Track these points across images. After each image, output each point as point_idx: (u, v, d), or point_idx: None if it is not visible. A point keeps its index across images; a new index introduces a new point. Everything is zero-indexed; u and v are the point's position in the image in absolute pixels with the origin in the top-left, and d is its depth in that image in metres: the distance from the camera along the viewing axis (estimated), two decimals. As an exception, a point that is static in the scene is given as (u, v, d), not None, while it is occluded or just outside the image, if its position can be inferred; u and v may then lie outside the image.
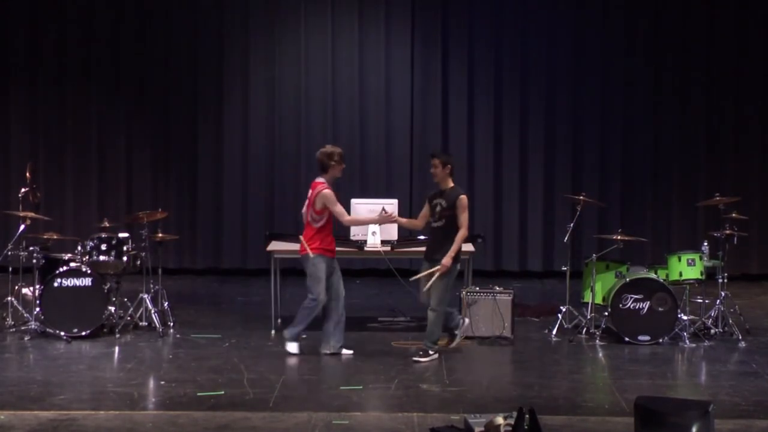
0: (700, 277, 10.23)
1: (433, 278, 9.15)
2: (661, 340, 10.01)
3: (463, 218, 9.16)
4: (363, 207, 10.35)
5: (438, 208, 9.25)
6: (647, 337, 10.00)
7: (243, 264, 14.37)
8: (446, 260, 9.10)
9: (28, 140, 14.35)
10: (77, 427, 7.35)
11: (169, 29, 14.34)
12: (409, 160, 14.37)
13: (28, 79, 14.38)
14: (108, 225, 10.71)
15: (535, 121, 14.29)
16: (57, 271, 10.07)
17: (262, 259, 12.46)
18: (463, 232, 9.17)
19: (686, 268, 10.21)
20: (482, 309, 10.18)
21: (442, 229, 9.25)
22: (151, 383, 8.56)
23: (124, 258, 10.43)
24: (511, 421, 6.42)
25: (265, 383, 8.48)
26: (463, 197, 9.19)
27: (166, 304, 10.71)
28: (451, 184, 9.30)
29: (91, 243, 10.45)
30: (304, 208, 9.49)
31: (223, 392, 8.20)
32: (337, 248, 10.46)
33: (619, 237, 10.47)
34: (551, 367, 9.28)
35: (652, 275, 10.28)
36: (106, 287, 10.15)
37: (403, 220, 9.85)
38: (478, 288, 10.36)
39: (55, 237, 10.74)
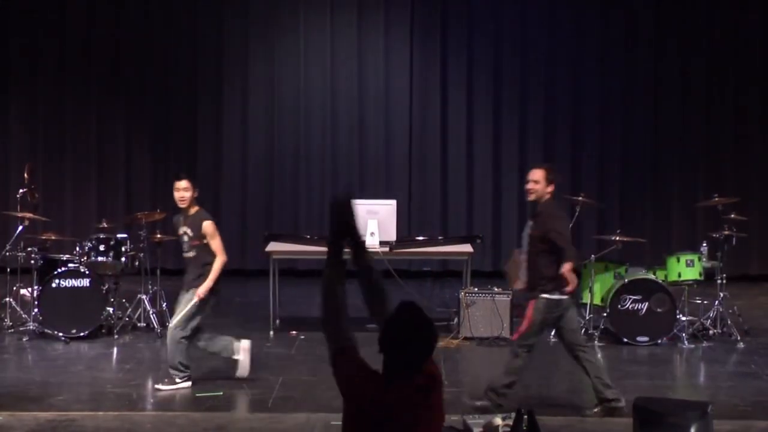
0: (698, 278, 10.23)
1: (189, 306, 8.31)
2: (659, 341, 10.01)
3: (216, 245, 8.31)
4: (361, 207, 10.35)
5: (186, 238, 8.37)
6: (646, 338, 9.99)
7: (242, 264, 14.35)
8: (202, 291, 8.21)
9: (28, 140, 14.35)
10: (76, 427, 7.35)
11: (169, 30, 14.33)
12: (407, 160, 14.36)
13: (28, 79, 14.38)
14: (106, 225, 10.72)
15: (535, 121, 14.29)
16: (55, 272, 10.07)
17: (261, 260, 12.44)
18: (221, 260, 8.32)
19: (685, 268, 10.21)
20: (481, 309, 10.19)
21: (195, 261, 8.35)
22: (150, 384, 8.56)
23: (123, 259, 10.44)
24: (510, 422, 6.41)
25: (263, 384, 8.48)
26: (209, 223, 8.35)
27: (164, 304, 10.70)
28: (196, 208, 8.44)
29: (89, 244, 10.45)
30: None
31: (221, 393, 8.20)
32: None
33: (617, 238, 10.46)
34: (550, 367, 9.28)
35: (651, 276, 10.28)
36: (104, 288, 10.15)
37: None
38: (476, 288, 10.36)
39: (53, 237, 10.75)
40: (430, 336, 3.89)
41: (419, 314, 3.91)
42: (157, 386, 8.39)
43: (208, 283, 8.29)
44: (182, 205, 8.43)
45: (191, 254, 8.42)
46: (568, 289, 7.46)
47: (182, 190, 8.40)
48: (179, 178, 8.50)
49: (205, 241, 8.36)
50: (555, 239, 7.46)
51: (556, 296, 7.53)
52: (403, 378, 3.85)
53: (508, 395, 7.63)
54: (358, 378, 3.87)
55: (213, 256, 8.37)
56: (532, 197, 7.73)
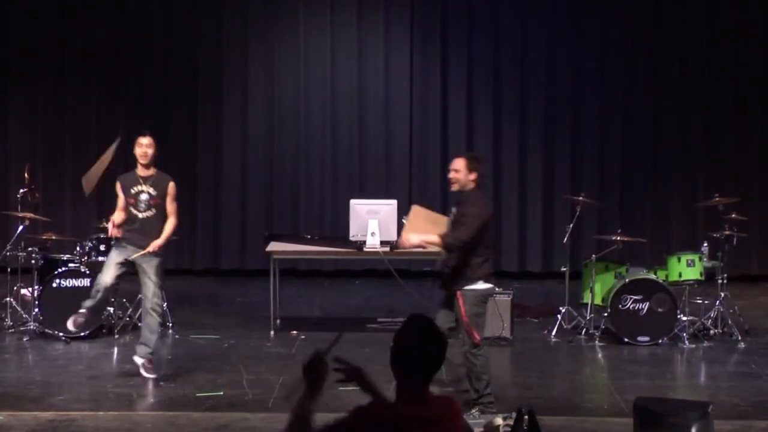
0: (699, 277, 10.23)
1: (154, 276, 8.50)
2: (660, 341, 10.01)
3: (174, 207, 8.57)
4: (361, 207, 10.35)
5: (145, 196, 8.45)
6: (646, 338, 9.99)
7: (242, 265, 14.36)
8: (157, 245, 8.41)
9: (28, 140, 14.35)
10: (76, 427, 7.34)
11: (169, 30, 14.34)
12: (407, 160, 14.36)
13: (28, 79, 14.38)
14: (107, 225, 10.69)
15: (535, 121, 14.29)
16: (56, 272, 10.06)
17: (261, 260, 12.44)
18: (176, 222, 8.61)
19: (686, 268, 10.21)
20: (481, 310, 10.15)
21: (155, 220, 8.50)
22: (150, 384, 8.55)
23: (123, 258, 10.42)
24: (511, 422, 6.41)
25: (264, 384, 8.48)
26: (174, 184, 8.61)
27: (165, 304, 10.70)
28: (155, 168, 8.60)
29: (89, 243, 10.45)
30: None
31: (222, 393, 8.20)
32: (337, 249, 10.45)
33: (618, 238, 10.46)
34: (550, 367, 9.28)
35: (652, 276, 10.27)
36: (104, 288, 10.14)
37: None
38: (477, 289, 10.32)
39: (53, 237, 10.74)
40: (441, 344, 3.85)
41: (429, 324, 3.87)
42: (146, 375, 8.45)
43: (162, 240, 8.46)
44: (143, 161, 8.47)
45: (150, 213, 8.47)
46: (401, 242, 7.73)
47: (146, 146, 8.49)
48: (144, 135, 8.57)
49: (162, 202, 8.47)
50: (462, 223, 7.43)
51: (482, 286, 7.53)
52: (416, 388, 3.78)
53: (492, 393, 7.60)
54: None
55: (167, 217, 8.52)
56: (455, 187, 7.65)
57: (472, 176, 7.58)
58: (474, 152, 8.09)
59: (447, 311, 7.67)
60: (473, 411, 7.50)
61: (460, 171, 7.58)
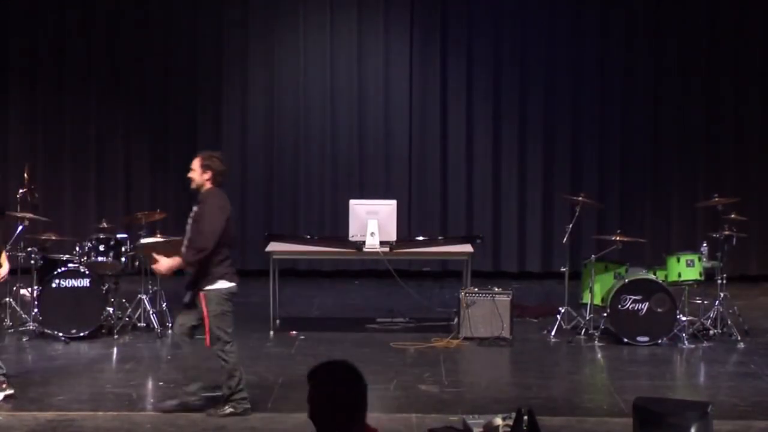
0: (698, 278, 10.23)
1: None
2: (659, 341, 10.01)
3: None
4: (361, 208, 10.35)
5: None
6: (646, 338, 9.99)
7: (242, 265, 14.28)
8: (6, 273, 8.44)
9: (27, 141, 14.34)
10: (76, 428, 7.35)
11: (169, 29, 14.33)
12: (407, 160, 14.36)
13: (27, 79, 14.38)
14: (106, 226, 10.71)
15: (535, 121, 14.28)
16: (55, 272, 10.07)
17: (260, 260, 12.43)
18: None
19: (685, 269, 10.21)
20: (481, 310, 10.18)
21: None
22: (150, 384, 8.56)
23: (123, 259, 10.44)
24: (510, 422, 6.40)
25: (263, 384, 8.49)
26: None
27: (164, 304, 10.71)
28: None
29: (89, 244, 10.45)
30: None
31: (221, 393, 8.19)
32: (337, 249, 10.46)
33: (618, 238, 10.46)
34: (550, 368, 9.28)
35: (651, 276, 10.27)
36: (104, 288, 10.15)
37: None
38: (476, 288, 10.35)
39: (53, 238, 10.74)
40: (359, 391, 3.84)
41: (346, 370, 3.85)
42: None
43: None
44: None
45: None
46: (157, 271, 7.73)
47: None
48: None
49: None
50: (199, 230, 7.45)
51: (224, 285, 7.54)
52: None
53: (246, 390, 7.67)
54: None
55: None
56: (192, 185, 7.70)
57: (207, 175, 7.61)
58: (212, 151, 7.97)
59: (189, 310, 7.68)
60: (226, 408, 7.56)
61: (195, 171, 7.64)
